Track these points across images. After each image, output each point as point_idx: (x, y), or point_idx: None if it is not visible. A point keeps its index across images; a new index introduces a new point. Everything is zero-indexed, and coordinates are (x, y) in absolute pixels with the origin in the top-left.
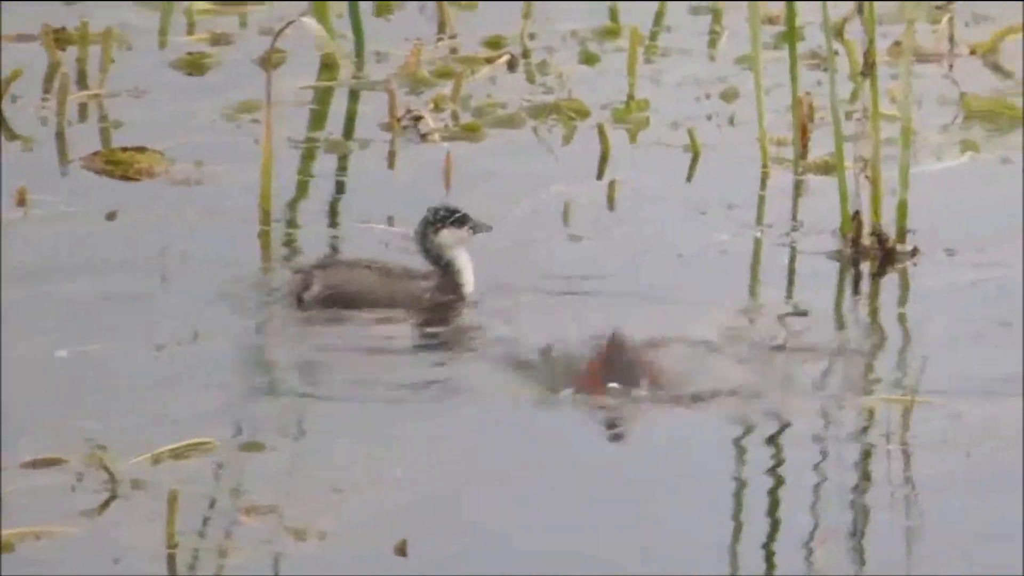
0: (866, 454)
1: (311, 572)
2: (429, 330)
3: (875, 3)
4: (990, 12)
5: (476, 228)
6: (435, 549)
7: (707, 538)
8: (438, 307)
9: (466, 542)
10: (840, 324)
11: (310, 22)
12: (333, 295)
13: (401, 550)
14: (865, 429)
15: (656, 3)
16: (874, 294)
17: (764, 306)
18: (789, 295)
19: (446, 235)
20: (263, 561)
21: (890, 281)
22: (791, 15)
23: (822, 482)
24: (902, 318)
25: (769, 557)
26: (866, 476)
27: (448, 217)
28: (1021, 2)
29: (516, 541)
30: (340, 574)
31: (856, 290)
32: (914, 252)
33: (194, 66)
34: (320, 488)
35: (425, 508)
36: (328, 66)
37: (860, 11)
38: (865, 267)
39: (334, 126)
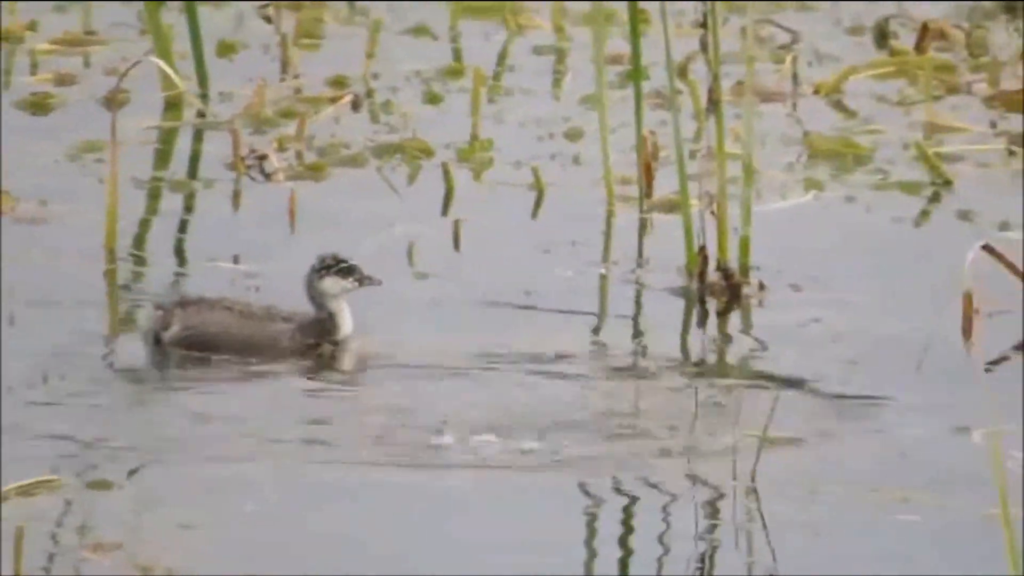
0: (713, 492)
1: None
2: (286, 371)
3: (719, 42)
4: (833, 52)
5: (363, 280)
6: None
7: None
8: (299, 350)
9: None
10: (686, 360)
11: (158, 61)
12: (192, 336)
13: None
14: (712, 467)
15: (500, 43)
16: (721, 330)
17: (610, 342)
18: (636, 331)
19: (329, 283)
20: None
21: (736, 317)
22: (635, 55)
23: (668, 521)
24: (749, 354)
25: None
26: (713, 515)
27: (333, 266)
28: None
29: None
30: None
31: (702, 326)
32: (760, 288)
33: (38, 106)
34: (167, 525)
35: (273, 546)
36: (172, 106)
37: (704, 49)
38: (711, 303)
39: (178, 166)
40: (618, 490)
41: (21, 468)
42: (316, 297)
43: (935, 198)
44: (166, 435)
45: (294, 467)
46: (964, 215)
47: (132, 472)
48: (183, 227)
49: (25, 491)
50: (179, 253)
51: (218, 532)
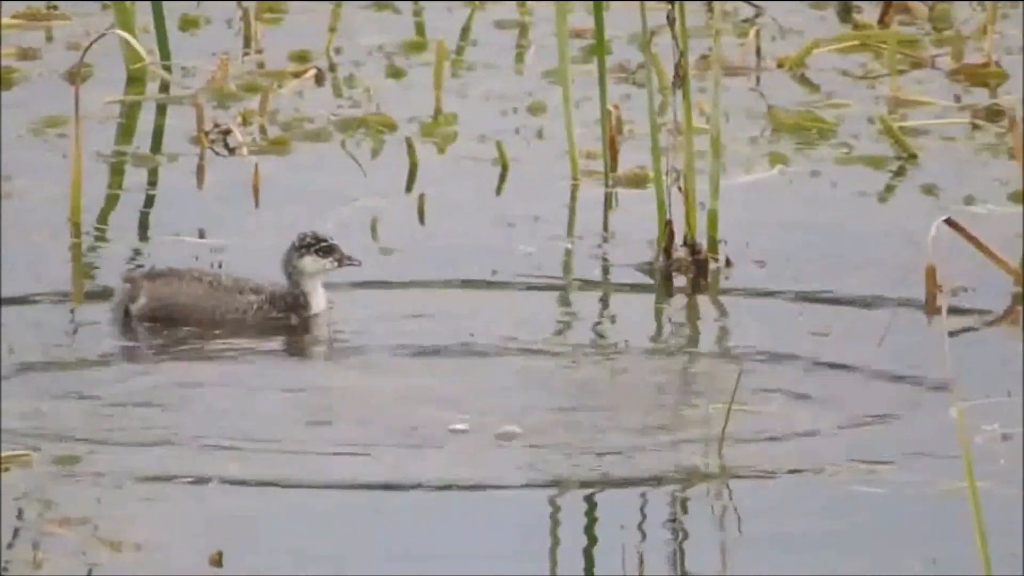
0: (680, 468)
1: None
2: (255, 347)
3: (685, 16)
4: (796, 25)
5: (342, 261)
6: (250, 561)
7: None
8: (268, 323)
9: (281, 555)
10: (653, 335)
11: (122, 33)
12: (159, 307)
13: (216, 561)
14: (679, 440)
15: (462, 17)
16: (688, 305)
17: (576, 318)
18: (602, 307)
19: (308, 262)
20: (78, 573)
21: (703, 292)
22: (599, 28)
23: (637, 500)
24: (715, 329)
25: None
26: (681, 490)
27: (313, 245)
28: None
29: (338, 556)
30: None
31: (668, 301)
32: (727, 263)
33: (0, 81)
34: (135, 499)
35: (241, 520)
36: (135, 80)
37: (671, 23)
38: (678, 278)
39: (142, 140)
40: (587, 467)
41: None
42: (293, 275)
43: (900, 172)
44: (133, 411)
45: (262, 442)
46: (929, 189)
47: (101, 446)
48: (147, 201)
49: None
50: (143, 227)
51: (187, 506)
